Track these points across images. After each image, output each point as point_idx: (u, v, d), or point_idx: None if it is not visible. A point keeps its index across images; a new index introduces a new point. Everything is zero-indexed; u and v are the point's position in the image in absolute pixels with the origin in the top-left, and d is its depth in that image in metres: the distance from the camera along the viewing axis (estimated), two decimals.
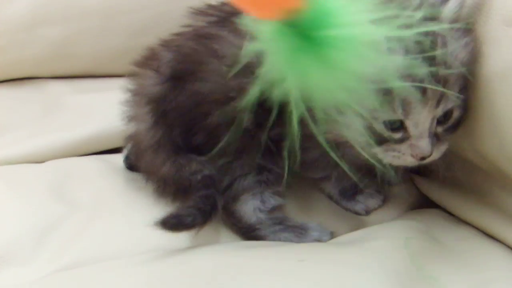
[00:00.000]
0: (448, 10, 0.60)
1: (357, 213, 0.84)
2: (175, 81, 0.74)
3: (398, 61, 0.58)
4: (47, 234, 0.74)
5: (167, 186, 0.77)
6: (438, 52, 0.59)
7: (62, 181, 0.86)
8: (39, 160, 0.93)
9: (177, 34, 0.79)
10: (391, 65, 0.57)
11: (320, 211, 0.83)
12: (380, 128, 0.64)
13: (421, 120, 0.62)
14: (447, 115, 0.64)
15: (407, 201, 0.86)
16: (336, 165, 0.71)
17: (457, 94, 0.61)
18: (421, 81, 0.58)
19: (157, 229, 0.66)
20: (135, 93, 0.80)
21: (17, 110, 1.04)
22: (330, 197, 0.85)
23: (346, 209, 0.84)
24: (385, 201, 0.85)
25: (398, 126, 0.63)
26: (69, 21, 1.05)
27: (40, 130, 0.98)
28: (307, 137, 0.68)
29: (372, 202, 0.84)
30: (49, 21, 1.04)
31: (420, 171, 0.86)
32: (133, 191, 0.83)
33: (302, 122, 0.68)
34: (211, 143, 0.72)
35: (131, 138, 0.83)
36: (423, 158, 0.65)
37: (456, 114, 0.65)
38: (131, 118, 0.81)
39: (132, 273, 0.63)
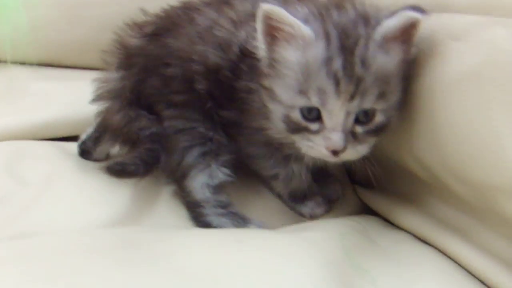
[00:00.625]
0: (387, 23, 0.64)
1: (302, 215, 0.87)
2: (154, 36, 0.83)
3: (319, 48, 0.64)
4: None
5: (117, 136, 0.85)
6: (358, 50, 0.63)
7: (15, 160, 0.88)
8: None
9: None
10: (313, 50, 0.63)
11: (266, 209, 0.87)
12: (296, 116, 0.67)
13: (335, 112, 0.64)
14: (368, 116, 0.66)
15: (349, 209, 0.90)
16: (285, 165, 0.81)
17: (373, 96, 0.64)
18: (335, 73, 0.63)
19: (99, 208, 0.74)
20: (117, 44, 0.87)
21: None
22: (279, 197, 0.88)
23: (292, 209, 0.88)
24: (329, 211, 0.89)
25: (315, 116, 0.66)
26: (38, 8, 1.07)
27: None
28: (252, 131, 0.77)
29: (319, 209, 0.87)
30: (19, 8, 1.07)
31: (362, 182, 0.91)
32: (82, 174, 0.85)
33: (249, 115, 0.76)
34: (163, 94, 0.81)
35: (101, 111, 0.88)
36: (335, 152, 0.66)
37: (379, 118, 0.67)
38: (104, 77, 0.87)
39: (73, 245, 0.64)
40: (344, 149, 0.66)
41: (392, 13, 0.64)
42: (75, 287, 0.51)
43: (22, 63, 1.12)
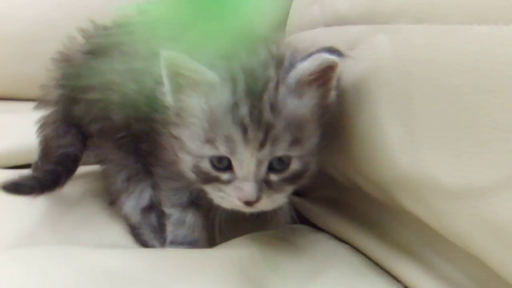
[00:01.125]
0: (302, 66, 0.61)
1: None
2: (89, 54, 0.82)
3: (224, 94, 0.61)
4: None
5: (41, 147, 0.89)
6: (266, 95, 0.60)
7: None
8: None
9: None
10: (218, 96, 0.61)
11: None
12: (206, 166, 0.64)
13: (245, 161, 0.62)
14: (283, 163, 0.64)
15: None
16: (183, 209, 0.80)
17: (285, 143, 0.61)
18: (241, 119, 0.59)
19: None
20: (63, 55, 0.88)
21: None
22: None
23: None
24: None
25: (226, 165, 0.63)
26: None
27: None
28: (167, 164, 0.75)
29: None
30: None
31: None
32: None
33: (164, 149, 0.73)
34: (84, 120, 0.83)
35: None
36: (248, 203, 0.64)
37: (295, 165, 0.64)
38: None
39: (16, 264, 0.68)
40: (258, 199, 0.63)
41: (308, 55, 0.61)
42: None
43: None
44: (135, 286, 0.61)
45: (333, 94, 0.65)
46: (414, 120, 0.55)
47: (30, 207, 0.84)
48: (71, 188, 0.88)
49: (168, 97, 0.65)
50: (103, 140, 0.83)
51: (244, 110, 0.60)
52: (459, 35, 0.49)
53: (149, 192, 0.83)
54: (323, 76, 0.62)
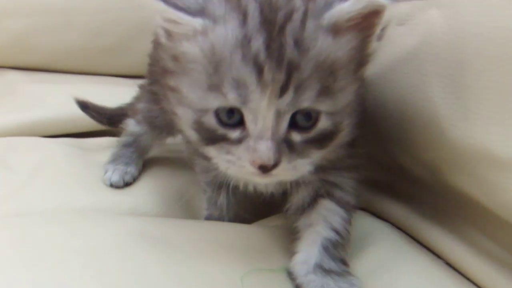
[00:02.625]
0: (342, 7, 0.51)
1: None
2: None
3: (230, 25, 0.50)
4: None
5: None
6: (290, 26, 0.50)
7: (5, 153, 0.94)
8: None
9: None
10: (222, 29, 0.50)
11: None
12: (210, 121, 0.54)
13: (262, 112, 0.50)
14: (309, 120, 0.53)
15: None
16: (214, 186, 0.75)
17: (313, 91, 0.50)
18: (255, 55, 0.49)
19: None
20: None
21: None
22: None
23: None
24: None
25: (237, 121, 0.53)
26: (31, 15, 1.16)
27: None
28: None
29: None
30: (14, 14, 1.15)
31: None
32: (66, 164, 0.92)
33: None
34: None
35: None
36: (264, 169, 0.52)
37: (324, 124, 0.53)
38: None
39: (55, 223, 0.71)
40: (276, 164, 0.52)
41: None
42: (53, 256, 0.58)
43: (15, 68, 1.21)
44: (173, 249, 0.63)
45: (375, 44, 0.55)
46: (467, 93, 0.56)
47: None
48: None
49: (163, 40, 0.56)
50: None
51: (258, 43, 0.49)
52: None
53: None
54: (366, 21, 0.52)
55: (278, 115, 0.51)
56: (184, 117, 0.56)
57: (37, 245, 0.61)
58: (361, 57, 0.55)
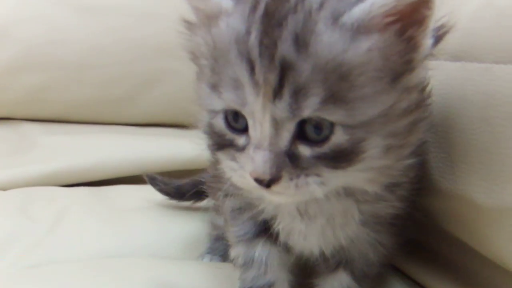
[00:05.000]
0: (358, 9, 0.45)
1: None
2: None
3: (235, 18, 0.47)
4: (12, 241, 0.89)
5: None
6: (291, 20, 0.44)
7: (27, 203, 1.02)
8: (5, 189, 1.09)
9: None
10: (227, 23, 0.47)
11: None
12: (219, 124, 0.51)
13: (258, 117, 0.46)
14: (321, 132, 0.46)
15: None
16: (250, 241, 0.67)
17: (316, 97, 0.44)
18: (248, 51, 0.45)
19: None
20: None
21: None
22: None
23: None
24: None
25: (243, 125, 0.49)
26: (47, 70, 1.25)
27: (9, 164, 1.15)
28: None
29: None
30: (30, 69, 1.24)
31: None
32: (87, 212, 0.99)
33: None
34: None
35: None
36: (263, 183, 0.47)
37: (339, 138, 0.46)
38: None
39: (80, 271, 0.78)
40: (274, 178, 0.47)
41: None
42: None
43: (31, 119, 1.29)
44: None
45: (428, 42, 0.47)
46: (454, 149, 0.63)
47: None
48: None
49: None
50: None
51: (253, 38, 0.45)
52: (493, 72, 0.58)
53: None
54: (408, 16, 0.45)
55: (276, 122, 0.46)
56: (201, 120, 0.54)
57: None
58: (401, 63, 0.47)
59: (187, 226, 0.97)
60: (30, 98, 1.27)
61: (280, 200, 0.52)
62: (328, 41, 0.44)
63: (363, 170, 0.49)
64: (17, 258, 0.85)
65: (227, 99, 0.47)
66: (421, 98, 0.52)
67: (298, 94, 0.44)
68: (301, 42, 0.43)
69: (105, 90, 1.26)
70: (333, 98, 0.44)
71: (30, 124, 1.29)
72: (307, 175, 0.47)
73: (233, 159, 0.50)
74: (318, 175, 0.48)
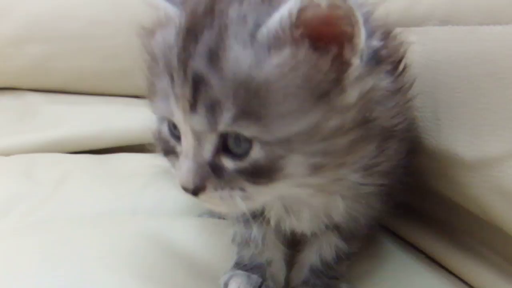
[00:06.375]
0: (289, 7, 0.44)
1: None
2: None
3: (171, 28, 0.49)
4: (16, 200, 0.94)
5: None
6: (207, 34, 0.45)
7: (31, 167, 1.06)
8: (9, 154, 1.13)
9: None
10: (165, 33, 0.49)
11: None
12: (165, 130, 0.53)
13: (182, 127, 0.49)
14: (240, 146, 0.47)
15: None
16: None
17: (229, 113, 0.45)
18: (170, 62, 0.47)
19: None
20: None
21: None
22: None
23: None
24: None
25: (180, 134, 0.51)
26: (49, 42, 1.27)
27: (14, 131, 1.20)
28: None
29: None
30: (34, 40, 1.27)
31: None
32: (89, 176, 1.04)
33: None
34: None
35: None
36: (190, 191, 0.49)
37: (256, 154, 0.47)
38: None
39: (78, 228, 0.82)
40: (198, 188, 0.48)
41: None
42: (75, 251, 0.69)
43: (34, 90, 1.33)
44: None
45: (357, 62, 0.46)
46: (440, 107, 0.68)
47: None
48: None
49: None
50: None
51: (174, 50, 0.46)
52: (477, 33, 0.62)
53: None
54: (320, 30, 0.44)
55: (197, 133, 0.47)
56: (152, 126, 0.56)
57: (66, 246, 0.72)
58: (326, 81, 0.45)
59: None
60: (34, 68, 1.29)
61: (213, 207, 0.54)
62: (238, 56, 0.44)
63: (293, 186, 0.50)
64: (21, 216, 0.90)
65: (160, 108, 0.50)
66: (363, 117, 0.49)
67: (213, 108, 0.45)
68: (213, 57, 0.44)
69: (107, 62, 1.28)
70: (245, 113, 0.44)
71: (34, 94, 1.32)
72: (231, 188, 0.49)
73: (173, 165, 0.53)
74: (242, 189, 0.49)
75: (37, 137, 1.17)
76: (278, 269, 0.70)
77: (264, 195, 0.51)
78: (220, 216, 0.83)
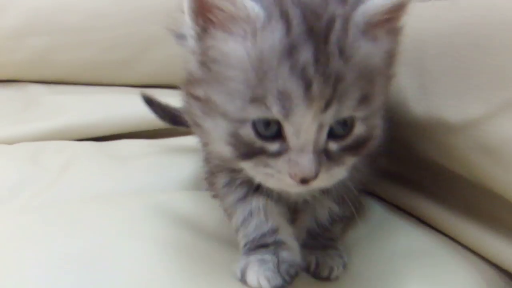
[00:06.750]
0: (373, 2, 0.51)
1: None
2: None
3: (276, 33, 0.49)
4: (23, 185, 0.97)
5: None
6: (334, 35, 0.49)
7: (36, 154, 1.10)
8: (13, 143, 1.17)
9: None
10: (267, 37, 0.49)
11: None
12: (247, 133, 0.53)
13: (304, 126, 0.50)
14: (345, 127, 0.53)
15: None
16: (244, 199, 0.70)
17: (354, 100, 0.50)
18: (303, 68, 0.48)
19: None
20: None
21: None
22: None
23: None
24: None
25: (275, 132, 0.52)
26: (51, 34, 1.32)
27: (18, 120, 1.24)
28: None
29: (264, 281, 0.64)
30: (36, 32, 1.32)
31: None
32: (96, 159, 1.08)
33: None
34: None
35: None
36: (304, 181, 0.52)
37: (359, 129, 0.54)
38: None
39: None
40: (316, 175, 0.52)
41: None
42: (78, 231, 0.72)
43: (36, 81, 1.38)
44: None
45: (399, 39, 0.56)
46: (426, 76, 0.73)
47: None
48: None
49: (191, 42, 0.54)
50: None
51: (306, 55, 0.48)
52: (459, 5, 0.68)
53: None
54: (394, 16, 0.53)
55: (320, 127, 0.51)
56: (217, 130, 0.55)
57: (77, 218, 0.76)
58: (392, 58, 0.56)
59: (190, 166, 1.04)
60: (36, 61, 1.34)
61: (300, 190, 0.61)
62: (363, 51, 0.50)
63: (368, 148, 0.58)
64: (29, 198, 0.93)
65: (274, 111, 0.50)
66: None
67: (342, 99, 0.50)
68: (345, 56, 0.49)
69: (107, 53, 1.33)
70: (363, 98, 0.51)
71: (36, 85, 1.36)
72: (337, 165, 0.54)
73: (266, 165, 0.54)
74: (344, 163, 0.55)
75: (41, 126, 1.21)
76: (287, 234, 0.69)
77: (355, 162, 0.58)
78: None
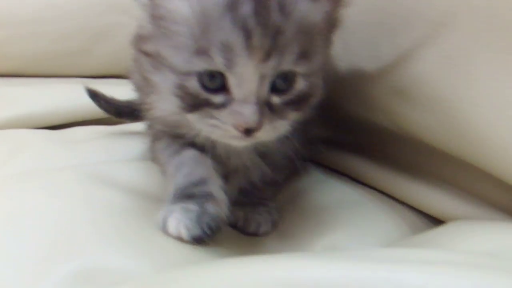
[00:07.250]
0: None
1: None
2: None
3: None
4: None
5: None
6: None
7: None
8: None
9: None
10: None
11: None
12: (193, 85, 0.56)
13: (246, 76, 0.54)
14: (287, 82, 0.57)
15: None
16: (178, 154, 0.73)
17: (294, 54, 0.54)
18: (244, 20, 0.51)
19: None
20: None
21: None
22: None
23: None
24: None
25: (219, 85, 0.55)
26: (4, 26, 1.34)
27: None
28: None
29: (184, 230, 0.63)
30: None
31: None
32: (48, 143, 1.10)
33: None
34: None
35: None
36: (248, 132, 0.55)
37: (300, 85, 0.58)
38: None
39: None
40: (259, 125, 0.55)
41: None
42: None
43: None
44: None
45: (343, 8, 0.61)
46: (346, 30, 0.74)
47: None
48: None
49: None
50: None
51: (247, 8, 0.51)
52: None
53: None
54: None
55: (262, 79, 0.54)
56: (165, 83, 0.58)
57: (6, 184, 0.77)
58: (333, 21, 0.60)
59: (139, 147, 1.04)
60: None
61: (245, 144, 0.61)
62: (301, 7, 0.53)
63: (310, 106, 0.62)
64: None
65: (217, 62, 0.53)
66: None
67: (282, 53, 0.53)
68: (285, 10, 0.52)
69: (60, 44, 1.35)
70: (302, 54, 0.54)
71: None
72: (280, 118, 0.58)
73: (212, 117, 0.57)
74: (286, 117, 0.59)
75: None
76: (216, 187, 0.67)
77: (298, 118, 0.61)
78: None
